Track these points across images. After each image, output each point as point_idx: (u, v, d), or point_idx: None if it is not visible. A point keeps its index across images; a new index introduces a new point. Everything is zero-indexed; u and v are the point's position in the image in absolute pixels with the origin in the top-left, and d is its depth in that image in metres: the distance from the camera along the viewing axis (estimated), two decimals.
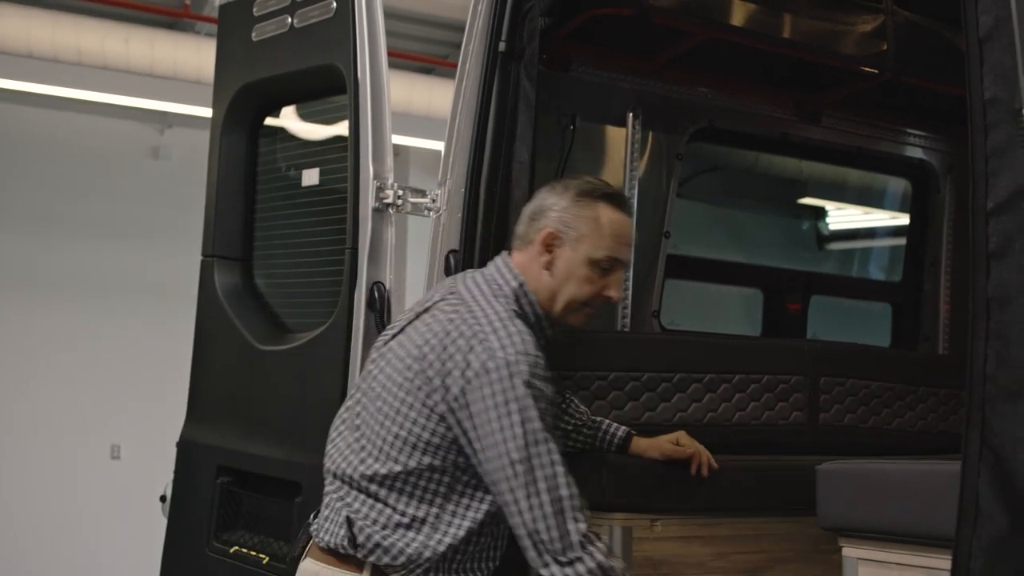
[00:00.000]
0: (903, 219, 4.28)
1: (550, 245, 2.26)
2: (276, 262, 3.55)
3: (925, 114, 3.88)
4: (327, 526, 2.23)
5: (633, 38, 3.35)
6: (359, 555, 2.17)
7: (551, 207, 2.28)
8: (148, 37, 6.47)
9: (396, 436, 2.15)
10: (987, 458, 1.52)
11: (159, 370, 8.19)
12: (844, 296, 4.33)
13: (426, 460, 2.14)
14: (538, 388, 2.09)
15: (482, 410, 2.07)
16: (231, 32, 3.53)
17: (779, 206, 5.66)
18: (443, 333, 2.14)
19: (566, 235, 2.25)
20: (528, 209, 2.34)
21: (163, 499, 3.58)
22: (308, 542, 2.32)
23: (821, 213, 5.78)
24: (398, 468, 2.15)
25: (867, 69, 3.53)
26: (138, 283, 8.34)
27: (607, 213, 2.27)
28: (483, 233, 2.90)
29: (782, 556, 2.72)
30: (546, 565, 2.06)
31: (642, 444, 2.64)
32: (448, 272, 2.90)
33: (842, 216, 5.74)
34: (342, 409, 2.35)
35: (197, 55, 6.43)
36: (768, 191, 5.37)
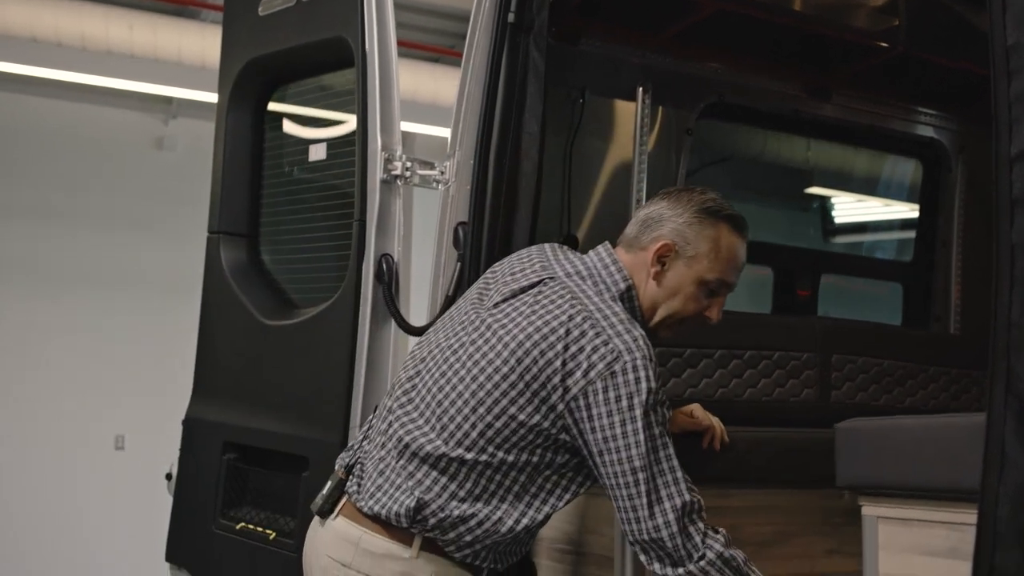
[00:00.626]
0: (907, 209, 4.26)
1: (664, 257, 2.20)
2: (282, 237, 3.54)
3: (936, 93, 3.84)
4: (379, 496, 2.13)
5: (642, 11, 3.32)
6: (414, 530, 2.11)
7: (669, 218, 2.22)
8: (152, 23, 6.45)
9: (489, 426, 2.07)
10: (1012, 405, 1.50)
11: (163, 361, 8.17)
12: (854, 275, 4.30)
13: (517, 456, 2.08)
14: (661, 394, 2.06)
15: (604, 414, 2.02)
16: (237, 7, 3.51)
17: (784, 197, 5.62)
18: (563, 329, 2.06)
19: (683, 250, 2.20)
20: (641, 213, 2.28)
21: (169, 477, 3.56)
22: (340, 498, 2.23)
23: (827, 203, 5.74)
24: (485, 457, 2.08)
25: (879, 43, 3.50)
26: (142, 275, 8.33)
27: (727, 236, 2.22)
28: (492, 205, 2.87)
29: (794, 529, 2.69)
30: (664, 569, 2.04)
31: None
32: (457, 245, 2.87)
33: (849, 207, 5.70)
34: (410, 369, 2.23)
35: (202, 42, 6.42)
36: (773, 181, 5.33)
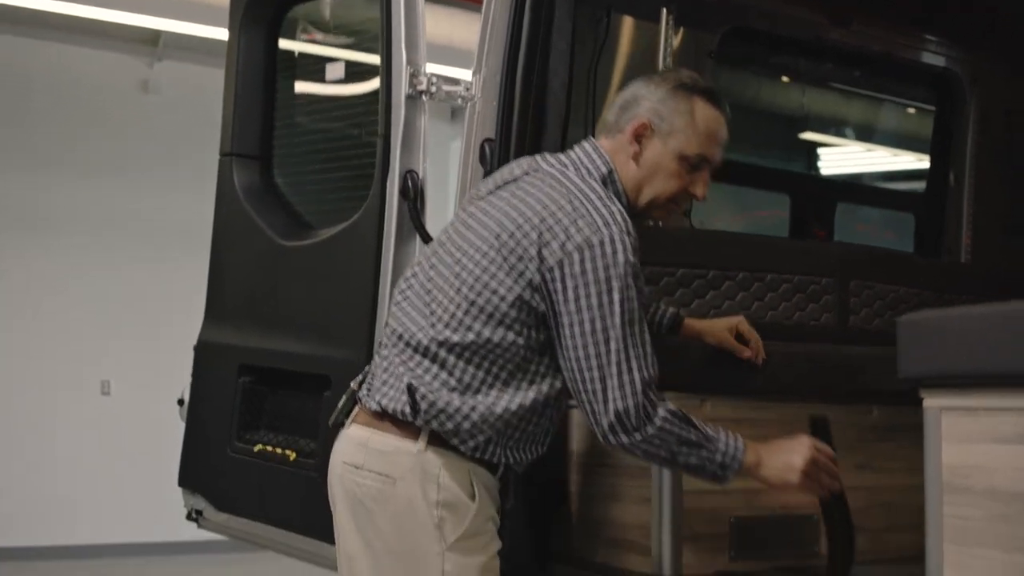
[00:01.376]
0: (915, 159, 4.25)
1: (640, 136, 2.19)
2: (298, 159, 3.48)
3: (953, 22, 3.82)
4: (385, 390, 2.15)
5: None
6: (418, 422, 2.10)
7: (644, 97, 2.21)
8: None
9: (472, 303, 2.08)
10: None
11: (150, 306, 8.10)
12: (868, 204, 4.31)
13: (503, 333, 2.07)
14: (638, 267, 2.06)
15: (580, 284, 2.02)
16: None
17: (779, 148, 5.59)
18: (540, 205, 2.08)
19: (658, 127, 2.18)
20: (620, 98, 2.27)
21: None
22: (352, 408, 2.24)
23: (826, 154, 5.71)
24: (471, 337, 2.07)
25: None
26: (129, 220, 8.22)
27: (703, 108, 2.19)
28: (520, 122, 2.84)
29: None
30: (617, 438, 2.05)
31: (698, 326, 2.60)
32: (484, 162, 2.84)
33: (851, 157, 5.66)
34: (408, 272, 2.27)
35: None
36: (769, 131, 5.29)
